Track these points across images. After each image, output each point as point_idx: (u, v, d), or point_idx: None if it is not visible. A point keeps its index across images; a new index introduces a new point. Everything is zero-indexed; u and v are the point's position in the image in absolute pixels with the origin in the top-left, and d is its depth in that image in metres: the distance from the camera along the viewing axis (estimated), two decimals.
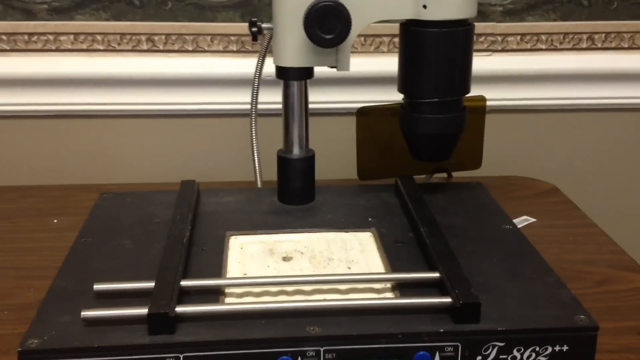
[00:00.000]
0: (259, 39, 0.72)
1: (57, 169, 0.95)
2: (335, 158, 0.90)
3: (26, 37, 0.88)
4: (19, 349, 0.47)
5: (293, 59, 0.67)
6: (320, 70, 0.71)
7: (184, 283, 0.54)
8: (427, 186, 0.79)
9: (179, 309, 0.51)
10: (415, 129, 0.69)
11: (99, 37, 0.89)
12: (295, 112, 0.71)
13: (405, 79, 0.69)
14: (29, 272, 0.68)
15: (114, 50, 0.90)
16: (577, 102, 0.97)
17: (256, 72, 0.76)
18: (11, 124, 0.92)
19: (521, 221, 0.83)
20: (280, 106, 0.72)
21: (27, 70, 0.88)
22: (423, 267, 0.59)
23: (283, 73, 0.69)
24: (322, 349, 0.50)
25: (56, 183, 0.92)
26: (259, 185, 0.79)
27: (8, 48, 0.89)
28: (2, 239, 0.77)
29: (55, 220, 0.82)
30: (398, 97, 0.73)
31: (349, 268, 0.60)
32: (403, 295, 0.55)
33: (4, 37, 0.88)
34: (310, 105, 0.73)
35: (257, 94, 0.77)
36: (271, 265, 0.60)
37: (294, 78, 0.69)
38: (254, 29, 0.70)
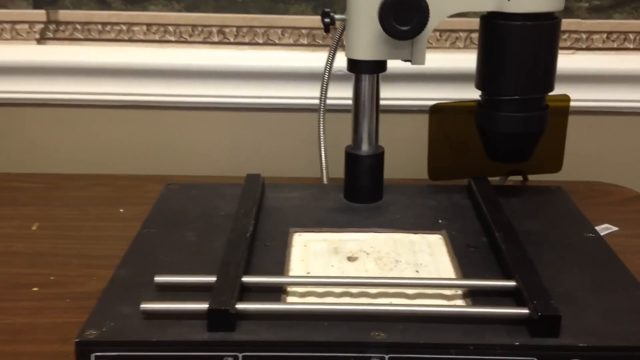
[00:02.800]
0: (331, 31, 0.70)
1: (126, 159, 0.95)
2: (406, 157, 0.87)
3: (100, 26, 0.89)
4: (77, 340, 0.47)
5: (366, 52, 0.65)
6: (393, 65, 0.68)
7: (245, 279, 0.52)
8: (502, 189, 0.75)
9: (240, 305, 0.49)
10: (493, 128, 0.65)
11: (170, 29, 0.89)
12: (365, 107, 0.68)
13: (485, 75, 0.65)
14: (93, 261, 0.68)
15: (186, 41, 0.89)
16: None
17: (327, 65, 0.74)
18: (82, 113, 0.93)
19: (602, 229, 0.78)
20: (349, 102, 0.70)
21: (99, 59, 0.89)
22: (497, 274, 0.56)
23: (355, 66, 0.66)
24: (386, 357, 0.47)
25: (125, 173, 0.93)
26: (325, 182, 0.77)
27: (82, 37, 0.89)
28: (69, 226, 0.77)
29: (121, 210, 0.82)
30: (473, 95, 0.69)
31: (417, 272, 0.57)
32: (475, 303, 0.52)
33: (78, 26, 0.89)
34: (381, 102, 0.70)
35: (326, 88, 0.75)
36: (335, 265, 0.58)
37: (365, 71, 0.67)
38: (327, 20, 0.67)
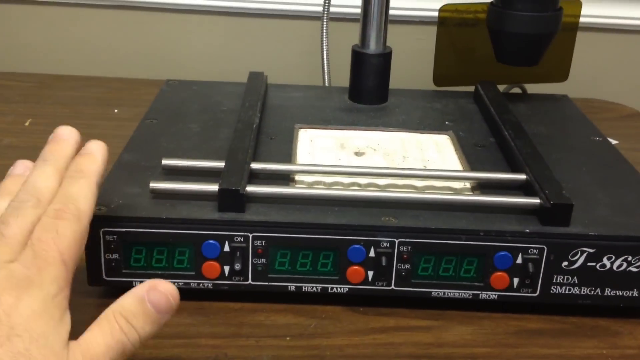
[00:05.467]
0: None
1: (121, 62, 0.92)
2: (412, 69, 0.86)
3: None
4: None
5: None
6: None
7: (254, 165, 0.51)
8: (510, 96, 0.74)
9: (250, 188, 0.48)
10: (504, 27, 0.64)
11: None
12: (375, 3, 0.66)
13: None
14: None
15: None
16: None
17: None
18: (76, 13, 0.90)
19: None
20: (353, 10, 0.67)
21: None
22: (506, 170, 0.55)
23: None
24: (397, 241, 0.47)
25: (118, 76, 0.91)
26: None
27: None
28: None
29: (115, 110, 0.81)
30: None
31: (425, 167, 0.57)
32: (484, 195, 0.51)
33: None
34: (390, 11, 0.68)
35: None
36: (342, 159, 0.57)
37: None
38: None
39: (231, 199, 0.47)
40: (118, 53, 0.92)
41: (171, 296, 0.38)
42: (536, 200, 0.48)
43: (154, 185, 0.48)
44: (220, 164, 0.51)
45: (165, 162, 0.52)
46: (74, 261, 0.37)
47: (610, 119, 0.86)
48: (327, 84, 0.80)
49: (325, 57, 0.78)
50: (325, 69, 0.79)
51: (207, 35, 0.91)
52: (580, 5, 0.72)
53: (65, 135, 0.43)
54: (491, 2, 0.66)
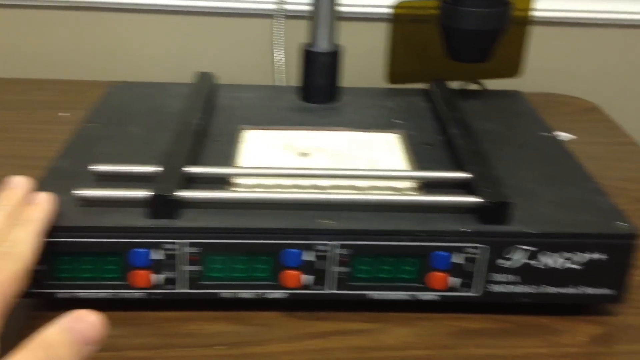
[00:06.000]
0: None
1: (70, 63, 0.91)
2: (365, 67, 0.85)
3: None
4: None
5: None
6: None
7: (190, 169, 0.50)
8: (462, 93, 0.73)
9: (184, 193, 0.47)
10: (454, 24, 0.63)
11: None
12: (324, 1, 0.65)
13: None
14: (30, 162, 0.65)
15: None
16: (620, 17, 0.89)
17: None
18: (23, 14, 0.89)
19: (561, 137, 0.77)
20: (306, 7, 0.66)
21: None
22: (452, 168, 0.54)
23: None
24: (334, 244, 0.46)
25: (68, 78, 0.89)
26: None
27: None
28: (10, 129, 0.74)
29: (68, 114, 0.79)
30: None
31: (372, 167, 0.56)
32: (426, 194, 0.50)
33: None
34: (342, 8, 0.67)
35: None
36: (287, 161, 0.56)
37: None
38: None
39: (162, 205, 0.46)
40: (69, 55, 0.91)
41: (97, 326, 0.36)
42: (476, 199, 0.47)
43: (77, 192, 0.46)
44: (154, 169, 0.49)
45: (94, 167, 0.50)
46: (11, 296, 0.38)
47: (569, 113, 0.86)
48: (283, 84, 0.79)
49: (278, 56, 0.77)
50: (277, 68, 0.78)
51: (163, 35, 0.89)
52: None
53: (17, 184, 0.46)
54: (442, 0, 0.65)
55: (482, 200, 0.47)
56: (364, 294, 0.47)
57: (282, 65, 0.76)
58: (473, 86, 0.81)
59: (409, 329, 0.47)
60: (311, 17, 0.66)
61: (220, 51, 0.90)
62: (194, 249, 0.46)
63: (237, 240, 0.46)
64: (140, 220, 0.45)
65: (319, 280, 0.47)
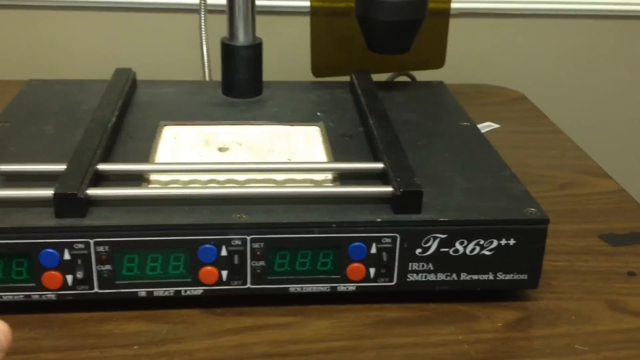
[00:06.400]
0: None
1: None
2: (290, 61, 0.84)
3: None
4: None
5: None
6: None
7: (101, 167, 0.49)
8: (386, 85, 0.74)
9: (92, 191, 0.46)
10: (371, 15, 0.63)
11: None
12: None
13: None
14: None
15: None
16: (547, 7, 0.91)
17: None
18: None
19: (484, 127, 0.79)
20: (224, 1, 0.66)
21: None
22: (369, 159, 0.55)
23: None
24: (248, 238, 0.46)
25: None
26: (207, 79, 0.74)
27: None
28: None
29: None
30: None
31: (289, 159, 0.55)
32: (341, 186, 0.50)
33: None
34: (261, 2, 0.66)
35: None
36: (205, 156, 0.56)
37: None
38: None
39: (68, 203, 0.44)
40: None
41: (2, 334, 0.35)
42: (389, 189, 0.48)
43: None
44: (63, 167, 0.48)
45: (3, 167, 0.49)
46: None
47: (496, 103, 0.87)
48: (207, 79, 0.78)
49: (205, 50, 0.76)
50: (205, 63, 0.77)
51: (79, 32, 0.87)
52: None
53: None
54: None
55: (394, 190, 0.47)
56: (282, 288, 0.47)
57: (208, 60, 0.75)
58: (403, 78, 0.81)
59: (328, 321, 0.47)
60: (227, 10, 0.65)
61: (149, 47, 0.88)
62: (103, 248, 0.44)
63: (150, 238, 0.45)
64: (45, 220, 0.44)
65: (237, 276, 0.46)
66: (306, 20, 0.72)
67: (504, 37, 0.93)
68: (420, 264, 0.47)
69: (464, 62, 0.92)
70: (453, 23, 0.76)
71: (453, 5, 0.74)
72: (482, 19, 0.92)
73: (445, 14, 0.73)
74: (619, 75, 0.97)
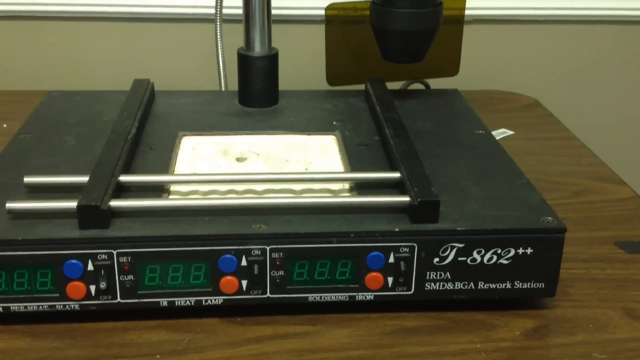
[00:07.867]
0: None
1: (9, 73, 0.89)
2: (305, 69, 0.85)
3: None
4: None
5: None
6: None
7: (122, 178, 0.50)
8: (401, 92, 0.74)
9: (114, 203, 0.47)
10: (385, 25, 0.63)
11: None
12: (256, 5, 0.65)
13: None
14: None
15: None
16: (561, 12, 0.91)
17: None
18: None
19: (499, 133, 0.79)
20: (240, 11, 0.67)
21: None
22: (385, 168, 0.55)
23: None
24: (268, 248, 0.46)
25: (6, 89, 0.87)
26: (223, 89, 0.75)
27: None
28: None
29: (5, 125, 0.78)
30: None
31: (306, 169, 0.56)
32: (358, 196, 0.51)
33: None
34: (277, 11, 0.67)
35: None
36: (223, 166, 0.56)
37: None
38: None
39: (92, 215, 0.45)
40: (7, 65, 0.89)
41: None
42: (406, 199, 0.48)
43: (10, 205, 0.46)
44: (85, 179, 0.49)
45: (28, 179, 0.50)
46: None
47: (509, 110, 0.87)
48: (223, 88, 0.79)
49: (220, 60, 0.77)
50: (221, 73, 0.78)
51: (98, 43, 0.88)
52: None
53: None
54: (372, 0, 0.65)
55: (411, 199, 0.48)
56: (301, 297, 0.48)
57: (224, 70, 0.76)
58: (417, 86, 0.82)
59: (347, 329, 0.48)
60: (243, 21, 0.66)
61: (165, 57, 0.89)
62: (126, 259, 0.45)
63: (171, 248, 0.46)
64: (70, 231, 0.45)
65: (256, 285, 0.47)
66: (321, 29, 0.73)
67: (516, 43, 0.93)
68: (438, 273, 0.48)
69: (476, 68, 0.92)
70: (465, 29, 0.77)
71: (466, 12, 0.75)
72: (495, 25, 0.92)
73: (459, 22, 0.73)
74: (632, 81, 0.96)
